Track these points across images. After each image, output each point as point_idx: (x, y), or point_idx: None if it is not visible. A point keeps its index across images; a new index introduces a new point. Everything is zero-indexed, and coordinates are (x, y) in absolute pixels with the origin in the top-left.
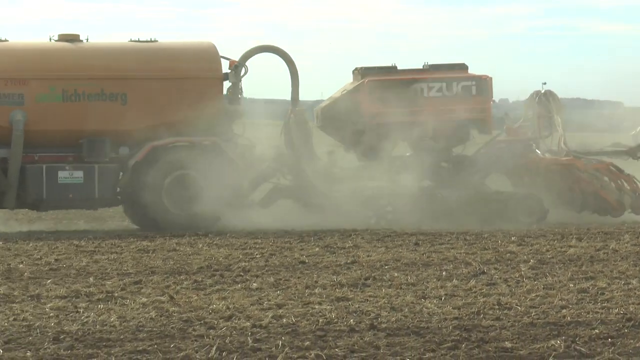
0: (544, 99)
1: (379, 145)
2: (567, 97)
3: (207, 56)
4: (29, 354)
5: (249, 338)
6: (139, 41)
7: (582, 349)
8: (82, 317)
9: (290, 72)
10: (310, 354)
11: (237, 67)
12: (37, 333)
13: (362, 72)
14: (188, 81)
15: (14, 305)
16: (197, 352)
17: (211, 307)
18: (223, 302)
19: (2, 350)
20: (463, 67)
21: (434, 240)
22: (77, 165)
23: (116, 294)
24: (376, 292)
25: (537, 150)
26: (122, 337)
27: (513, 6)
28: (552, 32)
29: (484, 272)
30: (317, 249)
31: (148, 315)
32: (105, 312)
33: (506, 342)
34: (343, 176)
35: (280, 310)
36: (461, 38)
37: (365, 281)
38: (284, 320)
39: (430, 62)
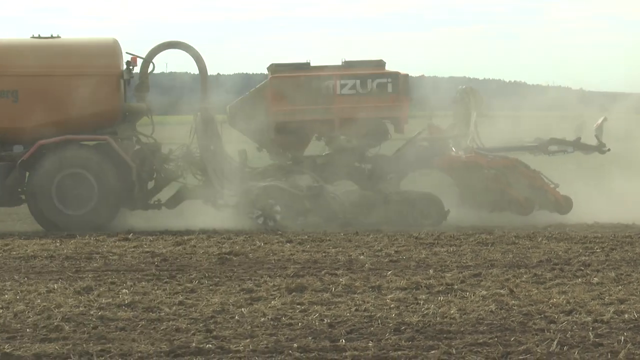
0: (465, 96)
1: (287, 143)
2: None
3: (105, 52)
4: (370, 344)
5: (590, 333)
6: (39, 37)
7: None
8: (423, 309)
9: (199, 69)
10: None
11: (130, 63)
12: (379, 324)
13: (272, 69)
14: (82, 78)
15: (356, 295)
16: (537, 346)
17: (551, 301)
18: (563, 296)
19: (345, 340)
20: (380, 64)
21: None
22: None
23: (456, 287)
24: None
25: (452, 149)
26: (462, 329)
27: None
28: None
29: None
30: None
31: (488, 308)
32: (445, 304)
33: None
34: (251, 175)
35: (622, 306)
36: None
37: None
38: (626, 315)
39: (347, 59)
